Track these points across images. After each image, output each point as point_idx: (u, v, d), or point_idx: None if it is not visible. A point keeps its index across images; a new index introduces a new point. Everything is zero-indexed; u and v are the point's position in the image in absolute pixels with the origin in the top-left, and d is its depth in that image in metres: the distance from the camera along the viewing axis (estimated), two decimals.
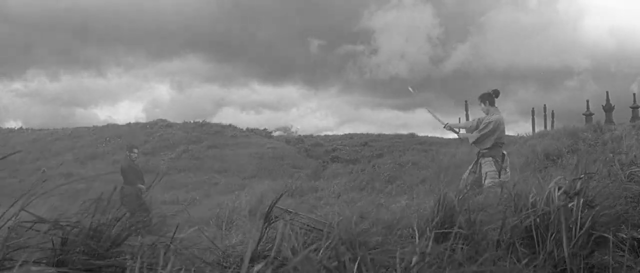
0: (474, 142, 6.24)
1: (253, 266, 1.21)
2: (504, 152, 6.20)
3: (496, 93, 6.34)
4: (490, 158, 6.03)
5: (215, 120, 40.48)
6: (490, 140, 6.06)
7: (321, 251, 1.38)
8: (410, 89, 6.61)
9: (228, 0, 68.30)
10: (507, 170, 6.16)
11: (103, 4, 63.35)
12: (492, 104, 6.25)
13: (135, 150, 9.33)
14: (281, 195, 1.77)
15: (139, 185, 8.79)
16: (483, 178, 5.98)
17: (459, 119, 22.69)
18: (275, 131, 29.73)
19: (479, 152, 6.23)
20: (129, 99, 65.99)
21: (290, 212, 2.02)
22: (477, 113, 6.80)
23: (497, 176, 5.93)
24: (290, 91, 69.96)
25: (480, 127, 6.17)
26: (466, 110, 19.35)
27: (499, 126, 6.09)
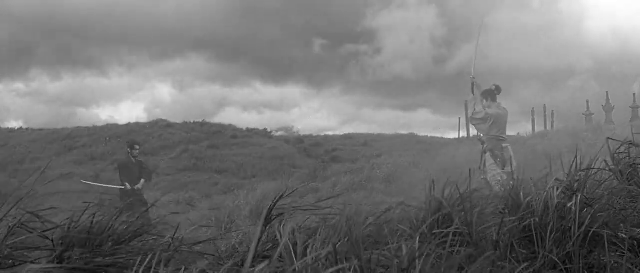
0: (470, 120, 6.76)
1: (254, 266, 1.22)
2: (504, 146, 6.40)
3: (498, 89, 6.60)
4: (489, 153, 6.27)
5: (216, 120, 40.49)
6: (482, 129, 6.37)
7: (323, 251, 1.39)
8: (472, 78, 6.84)
9: (231, 0, 68.18)
10: (513, 161, 6.34)
11: (105, 3, 63.25)
12: (493, 99, 6.56)
13: (137, 147, 9.24)
14: (281, 195, 1.78)
15: (125, 184, 8.66)
16: (485, 174, 6.22)
17: (460, 119, 22.76)
18: (277, 131, 29.77)
19: (482, 148, 6.50)
20: (130, 99, 65.83)
21: (294, 209, 2.03)
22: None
23: (497, 169, 6.15)
24: (292, 91, 69.85)
25: (477, 110, 6.46)
26: (466, 110, 19.37)
27: (488, 119, 6.37)
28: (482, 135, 6.60)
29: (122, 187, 8.97)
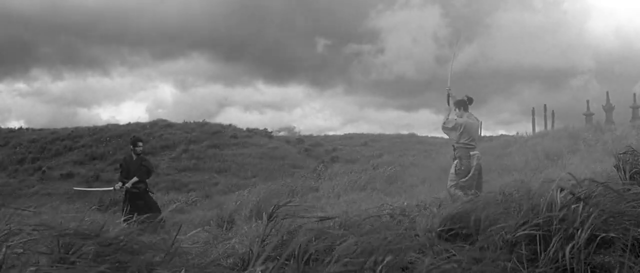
0: (441, 128, 7.00)
1: (255, 265, 1.21)
2: (472, 153, 6.60)
3: (470, 100, 7.04)
4: (457, 160, 6.54)
5: (218, 120, 40.39)
6: (452, 136, 6.57)
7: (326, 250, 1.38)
8: (448, 89, 7.11)
9: (233, 0, 67.98)
10: (480, 168, 6.54)
11: (107, 3, 63.06)
12: (465, 109, 6.99)
13: (140, 144, 9.09)
14: (289, 201, 1.77)
15: (117, 184, 8.61)
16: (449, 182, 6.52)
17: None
18: (278, 131, 29.74)
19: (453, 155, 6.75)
20: (132, 99, 65.48)
21: (295, 212, 2.03)
22: (476, 113, 7.24)
23: (455, 179, 6.42)
24: (295, 91, 69.66)
25: (449, 119, 6.84)
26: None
27: (458, 128, 6.63)
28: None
29: (110, 189, 8.89)
